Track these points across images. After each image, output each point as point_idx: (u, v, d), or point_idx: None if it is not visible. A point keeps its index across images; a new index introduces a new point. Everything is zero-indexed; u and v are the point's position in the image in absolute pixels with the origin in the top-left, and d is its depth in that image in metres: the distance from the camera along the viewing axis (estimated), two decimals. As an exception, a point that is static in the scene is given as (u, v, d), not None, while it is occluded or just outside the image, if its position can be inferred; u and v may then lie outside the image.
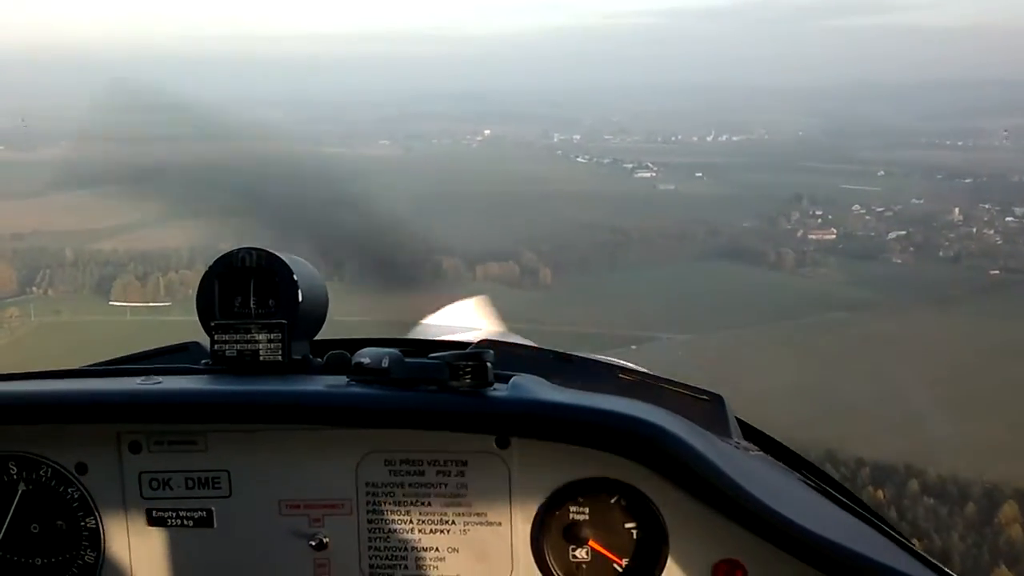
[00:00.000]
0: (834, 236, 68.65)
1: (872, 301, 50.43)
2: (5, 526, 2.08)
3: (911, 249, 65.28)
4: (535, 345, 2.66)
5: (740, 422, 2.47)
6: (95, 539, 2.09)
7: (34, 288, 60.06)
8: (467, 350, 2.08)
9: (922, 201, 74.78)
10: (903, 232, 68.19)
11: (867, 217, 72.23)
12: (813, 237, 68.68)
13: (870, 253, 64.78)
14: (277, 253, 2.18)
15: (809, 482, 2.42)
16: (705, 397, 2.38)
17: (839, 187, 79.15)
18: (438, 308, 3.47)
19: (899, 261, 63.50)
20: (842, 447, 28.71)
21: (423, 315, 3.46)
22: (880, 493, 25.56)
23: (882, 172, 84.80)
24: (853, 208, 73.69)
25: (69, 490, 2.08)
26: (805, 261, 63.95)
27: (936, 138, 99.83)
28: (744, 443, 2.38)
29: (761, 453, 2.43)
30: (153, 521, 2.06)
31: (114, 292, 55.89)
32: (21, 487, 2.09)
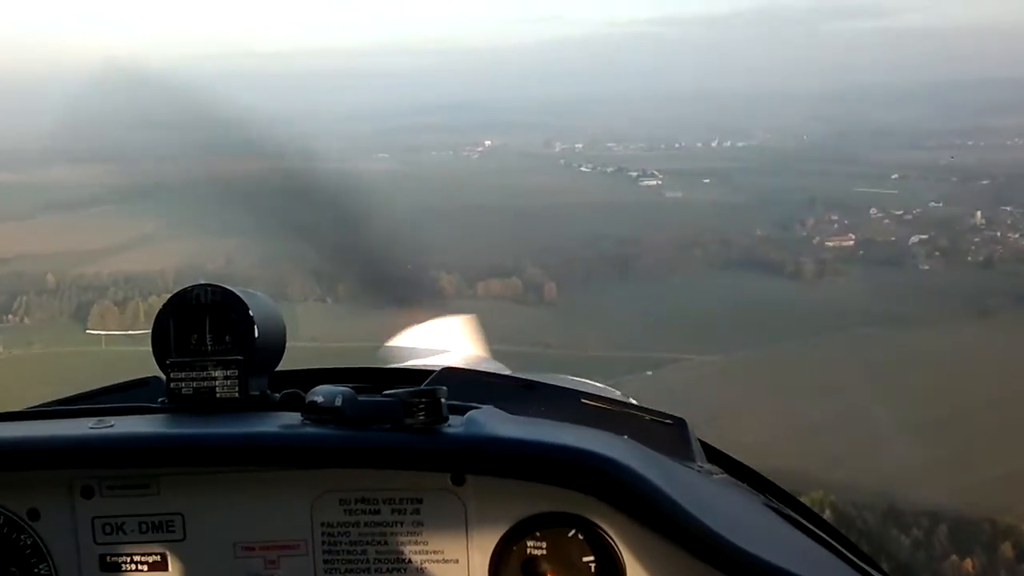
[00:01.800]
0: (853, 242, 63.69)
1: (906, 314, 45.49)
2: None
3: (937, 254, 60.28)
4: (499, 372, 2.63)
5: (704, 444, 2.44)
6: None
7: (10, 316, 55.58)
8: (422, 386, 2.10)
9: (941, 204, 70.08)
10: (925, 236, 63.29)
11: (886, 221, 67.30)
12: (831, 244, 63.73)
13: (894, 260, 59.76)
14: (233, 289, 2.14)
15: (772, 505, 2.37)
16: (668, 421, 2.37)
17: (853, 190, 74.59)
18: (429, 325, 3.42)
19: (926, 267, 58.46)
20: (905, 495, 23.95)
21: (410, 334, 3.38)
22: (969, 563, 20.76)
23: (896, 175, 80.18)
24: (870, 212, 68.83)
25: (21, 537, 2.02)
26: (825, 270, 58.82)
27: (946, 139, 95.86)
28: (707, 467, 2.34)
29: (724, 476, 2.40)
30: (107, 566, 2.02)
31: (91, 319, 51.14)
32: None
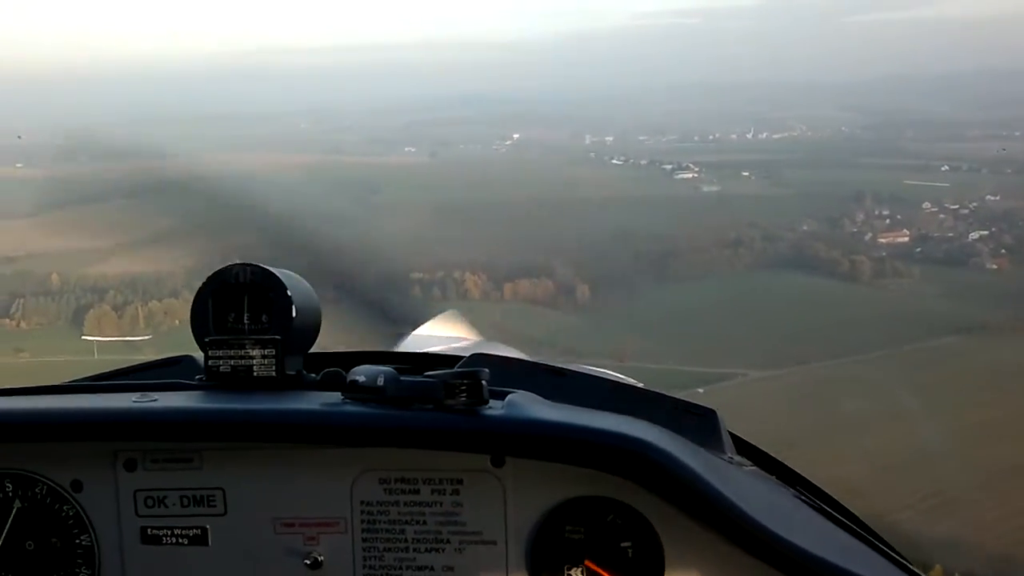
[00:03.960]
0: (908, 238, 57.47)
1: (986, 321, 39.36)
2: (0, 544, 2.03)
3: (1003, 252, 53.86)
4: (527, 359, 2.60)
5: (733, 436, 2.37)
6: (90, 557, 2.03)
7: (7, 320, 50.65)
8: (462, 367, 2.13)
9: (998, 197, 63.40)
10: (986, 232, 56.90)
11: (941, 216, 60.83)
12: (884, 240, 57.47)
13: (956, 258, 53.38)
14: (271, 269, 2.12)
15: (803, 498, 2.32)
16: (698, 411, 2.30)
17: (901, 183, 68.28)
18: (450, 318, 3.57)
19: (994, 267, 51.98)
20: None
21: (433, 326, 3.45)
22: None
23: (946, 167, 73.78)
24: (923, 206, 62.44)
25: (64, 508, 2.03)
26: (884, 270, 52.62)
27: (988, 129, 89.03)
28: (738, 458, 2.28)
29: (755, 468, 2.33)
30: (148, 539, 2.01)
31: (87, 325, 45.93)
32: (16, 505, 2.03)
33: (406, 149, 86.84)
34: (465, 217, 59.41)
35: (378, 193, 65.90)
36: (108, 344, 43.77)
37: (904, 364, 34.52)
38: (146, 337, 42.35)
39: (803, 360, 36.11)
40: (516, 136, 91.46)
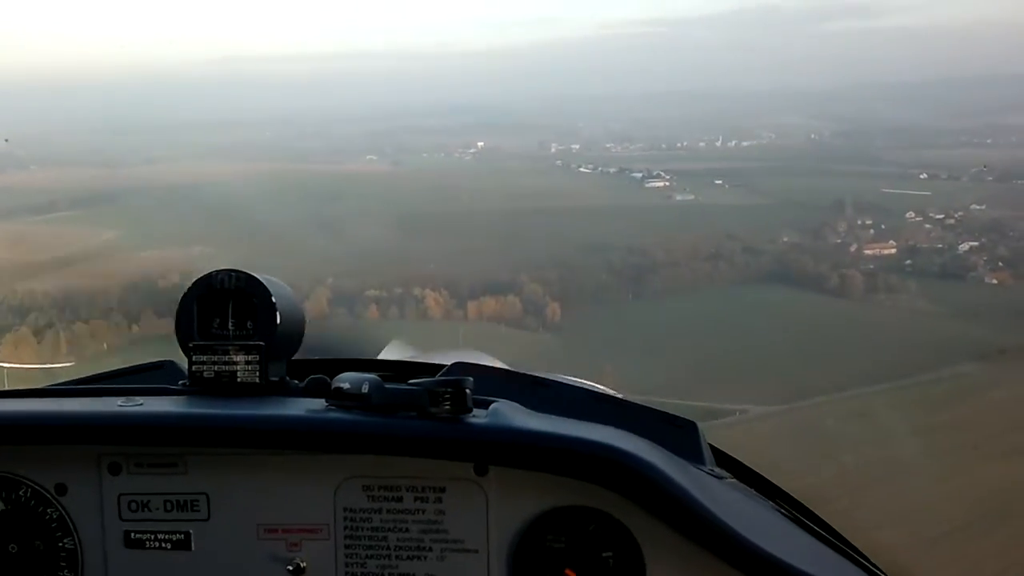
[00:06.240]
0: (895, 250, 53.09)
1: (1003, 343, 34.82)
2: None
3: (1001, 265, 49.44)
4: (509, 368, 2.52)
5: (713, 449, 2.32)
6: (73, 560, 1.99)
7: (-86, 348, 44.88)
8: (446, 376, 2.09)
9: (984, 207, 59.31)
10: (976, 243, 52.69)
11: (927, 226, 56.52)
12: (870, 252, 52.85)
13: (951, 271, 48.69)
14: (256, 275, 2.07)
15: (782, 511, 2.27)
16: (679, 423, 2.25)
17: (879, 191, 64.18)
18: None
19: (994, 282, 47.56)
20: None
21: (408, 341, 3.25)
22: None
23: (924, 175, 69.74)
24: (907, 216, 58.17)
25: (48, 511, 1.99)
26: (877, 285, 48.07)
27: (963, 136, 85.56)
28: (718, 471, 2.25)
29: (734, 480, 2.29)
30: (131, 543, 1.97)
31: (2, 351, 40.16)
32: None
33: (367, 157, 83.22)
34: (427, 228, 54.72)
35: (339, 202, 61.48)
36: (23, 373, 38.27)
37: (922, 398, 29.71)
38: (67, 364, 36.90)
39: (806, 393, 31.19)
40: (480, 144, 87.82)
